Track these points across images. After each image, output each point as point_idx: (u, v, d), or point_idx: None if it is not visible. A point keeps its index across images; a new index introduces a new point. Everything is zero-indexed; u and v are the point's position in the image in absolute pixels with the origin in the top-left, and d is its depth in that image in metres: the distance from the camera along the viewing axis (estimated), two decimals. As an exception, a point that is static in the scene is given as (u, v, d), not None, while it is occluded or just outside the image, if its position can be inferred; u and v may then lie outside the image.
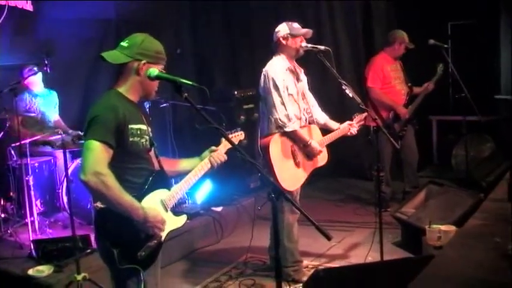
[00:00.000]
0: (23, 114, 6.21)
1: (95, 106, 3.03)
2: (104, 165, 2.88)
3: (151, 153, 3.29)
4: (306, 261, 5.38)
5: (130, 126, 3.03)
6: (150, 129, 3.25)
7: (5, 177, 6.19)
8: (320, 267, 5.31)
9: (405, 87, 7.09)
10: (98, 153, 2.88)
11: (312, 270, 4.81)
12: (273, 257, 4.97)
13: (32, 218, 5.70)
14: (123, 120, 2.98)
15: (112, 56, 3.09)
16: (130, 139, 3.03)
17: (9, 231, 5.80)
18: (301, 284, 4.90)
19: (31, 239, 5.39)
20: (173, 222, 3.29)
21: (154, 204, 3.14)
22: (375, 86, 6.96)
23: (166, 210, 3.23)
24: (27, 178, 5.77)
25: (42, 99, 6.58)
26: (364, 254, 5.40)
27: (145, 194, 3.11)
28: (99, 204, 3.03)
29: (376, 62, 7.08)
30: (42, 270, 4.89)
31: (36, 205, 5.85)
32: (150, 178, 3.17)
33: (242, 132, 3.81)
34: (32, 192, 5.78)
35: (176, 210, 3.36)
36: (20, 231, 5.81)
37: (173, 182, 3.52)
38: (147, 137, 3.18)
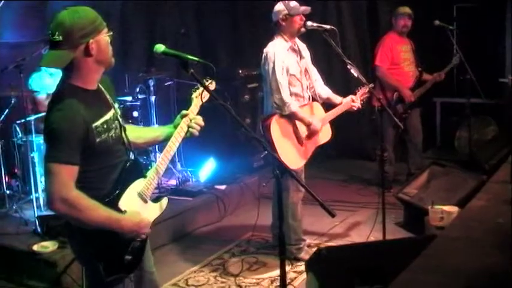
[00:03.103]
0: (36, 92, 6.20)
1: (51, 112, 2.70)
2: (70, 188, 2.63)
3: (123, 133, 2.99)
4: (308, 240, 5.42)
5: (94, 125, 2.73)
6: (115, 106, 2.98)
7: (10, 154, 6.20)
8: (322, 245, 5.34)
9: (415, 69, 7.04)
10: (62, 177, 2.62)
11: (315, 249, 4.84)
12: (276, 235, 5.00)
13: (37, 195, 5.73)
14: (84, 126, 2.67)
15: (55, 59, 2.76)
16: (98, 139, 2.74)
17: (14, 207, 5.84)
18: (303, 262, 4.94)
19: (36, 215, 5.43)
20: (155, 211, 3.09)
21: (133, 202, 2.92)
22: (383, 65, 6.91)
23: (146, 201, 3.00)
24: (32, 155, 5.79)
25: (55, 78, 6.55)
26: (367, 234, 5.44)
27: (121, 193, 2.87)
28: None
29: (386, 41, 7.02)
30: (47, 246, 4.94)
31: (41, 182, 5.87)
32: (122, 174, 2.91)
33: (212, 81, 3.33)
34: (37, 169, 5.80)
35: (157, 195, 3.19)
36: (24, 208, 5.84)
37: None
38: (116, 124, 2.91)
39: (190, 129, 3.14)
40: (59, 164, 2.62)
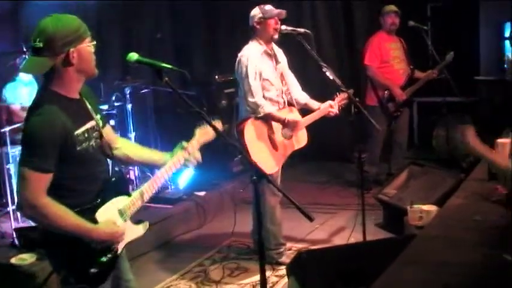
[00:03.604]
0: (11, 103, 6.14)
1: (30, 116, 2.69)
2: (39, 195, 2.61)
3: (104, 139, 2.97)
4: (289, 244, 5.41)
5: (75, 133, 2.72)
6: (98, 117, 2.94)
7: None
8: (303, 249, 5.34)
9: (405, 67, 7.03)
10: (32, 183, 2.60)
11: (296, 253, 4.84)
12: (256, 241, 4.99)
13: (14, 207, 5.66)
14: (64, 134, 2.66)
15: (34, 66, 2.75)
16: (78, 148, 2.73)
17: (-10, 220, 5.77)
18: (284, 266, 4.93)
19: (13, 227, 5.37)
20: (132, 232, 3.04)
21: (111, 215, 2.88)
22: (372, 64, 6.93)
23: (125, 220, 2.96)
24: (7, 167, 5.72)
25: (30, 88, 6.49)
26: (347, 236, 5.45)
27: (100, 204, 2.85)
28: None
29: (375, 40, 7.04)
30: (25, 259, 4.87)
31: (17, 192, 5.80)
32: (107, 186, 2.91)
33: (219, 121, 3.29)
34: (13, 181, 5.73)
35: (137, 218, 3.09)
36: (1, 220, 5.77)
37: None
38: (96, 134, 2.89)
39: (186, 162, 3.14)
40: (31, 170, 2.60)
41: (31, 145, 2.65)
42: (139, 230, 3.11)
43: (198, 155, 3.19)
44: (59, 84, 2.74)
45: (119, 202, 2.94)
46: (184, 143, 3.17)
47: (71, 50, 2.68)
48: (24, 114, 5.95)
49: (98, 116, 2.96)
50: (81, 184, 2.82)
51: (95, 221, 2.79)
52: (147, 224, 3.15)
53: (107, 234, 2.80)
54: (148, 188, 3.05)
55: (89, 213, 2.78)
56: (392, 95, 6.87)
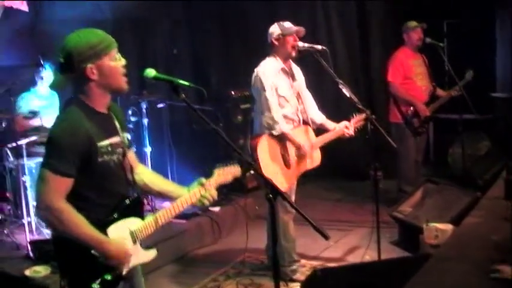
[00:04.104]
0: (24, 115, 6.18)
1: (56, 122, 2.78)
2: (58, 198, 2.65)
3: (126, 162, 3.02)
4: (303, 261, 5.39)
5: (99, 144, 2.77)
6: (125, 136, 3.02)
7: (1, 178, 6.17)
8: (318, 266, 5.31)
9: (428, 84, 6.95)
10: (51, 186, 2.65)
11: (310, 270, 4.81)
12: (270, 257, 4.97)
13: (29, 219, 5.69)
14: (87, 141, 2.71)
15: (58, 83, 2.84)
16: (100, 159, 2.78)
17: (5, 232, 5.78)
18: (298, 284, 4.90)
19: (28, 239, 5.39)
20: (140, 256, 3.02)
21: (122, 234, 2.90)
22: (395, 80, 6.83)
23: (135, 242, 2.96)
24: (23, 179, 5.75)
25: (45, 101, 6.54)
26: (362, 254, 5.41)
27: (114, 220, 2.88)
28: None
29: (397, 57, 6.94)
30: (39, 271, 4.90)
31: (33, 206, 5.83)
32: (123, 204, 2.94)
33: (238, 167, 3.34)
34: (29, 193, 5.76)
35: (147, 243, 3.09)
36: (16, 232, 5.79)
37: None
38: (120, 150, 2.94)
39: (202, 198, 3.15)
40: (50, 171, 2.65)
41: (52, 148, 2.70)
42: (146, 256, 3.08)
43: (215, 194, 3.19)
44: (85, 96, 2.81)
45: (131, 223, 2.96)
46: (202, 179, 3.19)
47: (89, 66, 2.74)
48: (26, 123, 6.01)
49: (125, 135, 3.02)
50: (97, 196, 2.84)
51: (105, 235, 2.81)
52: (155, 251, 3.13)
53: (116, 251, 2.80)
54: (162, 216, 3.06)
55: (101, 227, 2.79)
56: (417, 111, 6.79)
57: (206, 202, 3.17)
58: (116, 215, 2.88)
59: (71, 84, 2.83)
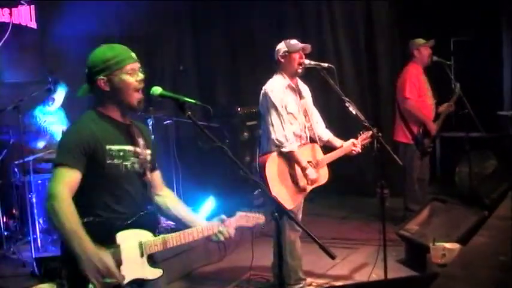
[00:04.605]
0: (32, 131, 6.22)
1: (67, 127, 3.02)
2: (62, 188, 2.72)
3: (148, 178, 3.09)
4: (309, 279, 5.35)
5: (108, 147, 2.89)
6: (147, 152, 3.09)
7: (8, 194, 6.18)
8: (324, 285, 5.28)
9: (432, 101, 6.91)
10: (57, 177, 2.77)
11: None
12: (276, 275, 4.95)
13: (35, 236, 5.70)
14: (91, 140, 2.85)
15: (83, 89, 3.02)
16: (108, 161, 2.88)
17: (11, 248, 5.79)
18: (304, 302, 4.89)
19: (34, 256, 5.39)
20: (145, 271, 2.96)
21: (131, 242, 2.88)
22: (412, 97, 6.68)
23: (142, 255, 2.92)
24: (30, 195, 5.77)
25: (53, 117, 6.57)
26: (368, 272, 5.38)
27: (126, 227, 2.89)
28: None
29: (412, 73, 6.79)
30: (45, 288, 4.90)
31: (39, 222, 5.84)
32: (138, 215, 2.96)
33: (262, 216, 3.51)
34: (35, 210, 5.77)
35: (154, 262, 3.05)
36: (22, 249, 5.80)
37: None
38: (135, 160, 3.01)
39: (219, 233, 3.21)
40: (59, 165, 2.80)
41: (61, 148, 2.89)
42: (152, 273, 3.01)
43: (232, 232, 3.26)
44: (101, 106, 3.01)
45: (143, 235, 2.96)
46: (223, 216, 3.27)
47: (100, 78, 2.92)
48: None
49: (149, 151, 3.11)
50: (109, 200, 2.92)
51: (113, 239, 2.83)
52: (161, 271, 3.08)
53: (99, 261, 2.64)
54: (173, 239, 3.06)
55: (111, 231, 2.85)
56: (427, 131, 6.76)
57: (222, 238, 3.22)
58: (129, 222, 2.92)
59: (92, 93, 3.00)
